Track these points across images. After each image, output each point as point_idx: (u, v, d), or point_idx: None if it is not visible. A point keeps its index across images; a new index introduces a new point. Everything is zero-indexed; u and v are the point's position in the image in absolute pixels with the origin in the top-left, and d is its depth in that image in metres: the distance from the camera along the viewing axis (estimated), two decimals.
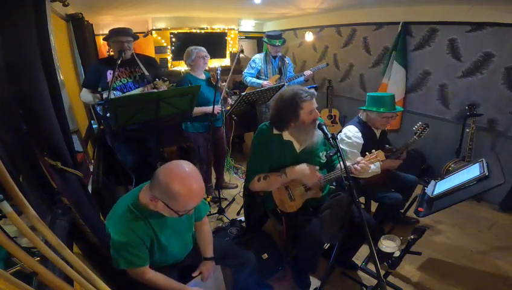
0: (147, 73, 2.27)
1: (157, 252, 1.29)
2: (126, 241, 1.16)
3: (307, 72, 3.41)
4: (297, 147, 1.75)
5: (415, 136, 2.13)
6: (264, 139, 1.74)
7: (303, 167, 1.67)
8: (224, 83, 2.73)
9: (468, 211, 2.79)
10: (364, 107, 2.13)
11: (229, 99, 2.86)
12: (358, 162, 1.60)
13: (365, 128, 2.11)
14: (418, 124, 2.16)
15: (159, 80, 2.23)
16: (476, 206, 2.88)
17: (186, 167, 1.12)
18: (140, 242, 1.19)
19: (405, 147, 2.16)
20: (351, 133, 2.05)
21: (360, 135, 2.05)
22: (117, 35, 2.16)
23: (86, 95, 2.20)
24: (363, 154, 2.07)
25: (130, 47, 2.21)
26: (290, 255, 1.99)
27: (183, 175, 1.09)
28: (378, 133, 2.18)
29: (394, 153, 2.17)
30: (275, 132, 1.74)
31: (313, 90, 1.66)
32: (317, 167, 1.69)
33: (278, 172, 1.69)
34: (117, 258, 1.18)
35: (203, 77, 2.63)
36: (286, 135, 1.74)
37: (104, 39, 2.32)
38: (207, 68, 2.71)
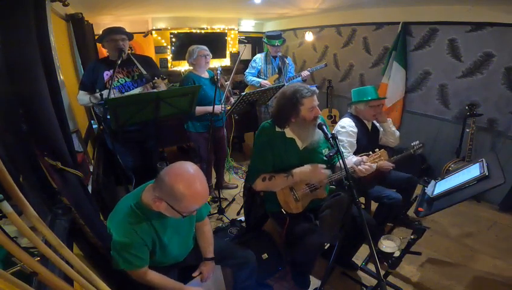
0: (144, 72, 2.26)
1: (158, 252, 1.29)
2: (127, 242, 1.16)
3: (304, 73, 3.42)
4: (300, 145, 1.75)
5: (410, 151, 2.15)
6: (267, 136, 1.74)
7: (310, 167, 1.67)
8: (227, 82, 2.73)
9: (468, 211, 2.79)
10: (352, 102, 2.22)
11: (231, 98, 2.86)
12: (363, 163, 1.60)
13: (357, 120, 2.20)
14: (416, 142, 2.17)
15: (158, 78, 2.22)
16: (476, 206, 2.88)
17: (191, 168, 1.12)
18: (141, 243, 1.19)
19: (397, 157, 2.16)
20: (345, 123, 2.14)
21: (353, 124, 2.14)
22: (111, 34, 2.13)
23: (83, 98, 2.15)
24: (361, 147, 2.09)
25: (125, 45, 2.17)
26: (286, 257, 1.99)
27: (188, 177, 1.09)
28: (369, 125, 2.25)
29: (389, 159, 2.18)
30: (278, 129, 1.74)
31: (314, 87, 1.67)
32: (324, 166, 1.69)
33: (284, 173, 1.69)
34: (117, 259, 1.18)
35: (206, 75, 2.63)
36: (288, 132, 1.74)
37: (98, 40, 2.27)
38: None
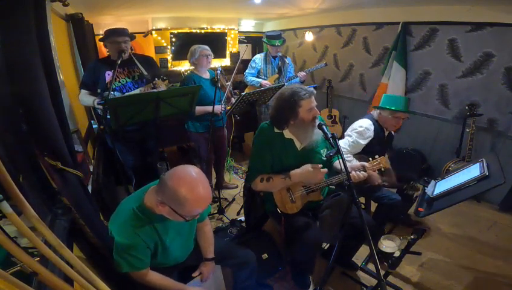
0: (145, 73, 2.26)
1: (160, 254, 1.29)
2: (130, 245, 1.16)
3: (301, 74, 3.39)
4: (298, 145, 1.75)
5: (404, 186, 2.14)
6: (265, 137, 1.74)
7: (306, 168, 1.67)
8: (228, 83, 2.73)
9: (468, 211, 2.79)
10: (378, 107, 2.16)
11: (232, 98, 2.86)
12: (363, 169, 1.60)
13: (376, 125, 2.16)
14: (412, 183, 2.18)
15: (158, 79, 2.22)
16: (476, 206, 2.88)
17: (193, 172, 1.11)
18: (144, 246, 1.19)
19: (386, 180, 2.14)
20: (365, 124, 2.10)
21: (372, 128, 2.09)
22: (113, 36, 2.14)
23: (85, 98, 2.16)
24: (370, 152, 2.08)
25: (127, 47, 2.19)
26: (286, 257, 1.99)
27: (191, 180, 1.09)
28: (386, 133, 2.22)
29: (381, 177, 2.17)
30: (276, 130, 1.74)
31: (312, 88, 1.66)
32: (321, 165, 1.69)
33: (282, 174, 1.69)
34: (119, 261, 1.18)
35: (207, 75, 2.64)
36: (287, 133, 1.74)
37: (100, 40, 2.29)
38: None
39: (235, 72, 2.75)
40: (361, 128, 2.07)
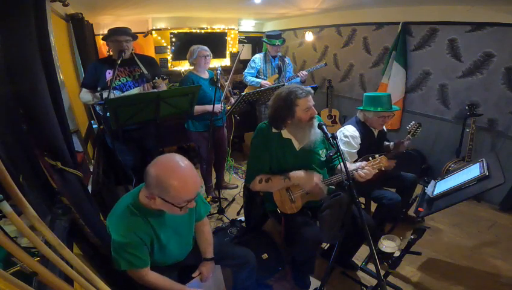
0: (146, 72, 2.27)
1: (157, 251, 1.28)
2: (126, 242, 1.15)
3: (302, 73, 3.38)
4: (297, 145, 1.75)
5: (408, 135, 2.18)
6: (263, 138, 1.74)
7: (304, 175, 1.67)
8: (227, 82, 2.74)
9: (468, 211, 2.79)
10: (361, 107, 2.14)
11: (231, 98, 2.86)
12: (362, 167, 1.60)
13: (363, 127, 2.13)
14: (411, 124, 2.21)
15: (158, 78, 2.23)
16: (476, 206, 2.88)
17: (174, 157, 1.12)
18: (140, 243, 1.19)
19: (398, 146, 2.18)
20: (348, 132, 2.07)
21: (357, 134, 2.06)
22: (115, 35, 2.15)
23: (85, 96, 2.18)
24: (363, 155, 2.08)
25: (128, 47, 2.20)
26: (286, 257, 1.99)
27: (172, 165, 1.09)
28: (376, 132, 2.20)
29: (389, 154, 2.19)
30: (274, 130, 1.74)
31: (309, 88, 1.66)
32: (321, 177, 1.69)
33: (281, 175, 1.69)
34: (118, 259, 1.17)
35: (206, 75, 2.64)
36: (285, 133, 1.74)
37: (103, 39, 2.30)
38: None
39: (232, 72, 2.75)
40: (346, 138, 2.05)
